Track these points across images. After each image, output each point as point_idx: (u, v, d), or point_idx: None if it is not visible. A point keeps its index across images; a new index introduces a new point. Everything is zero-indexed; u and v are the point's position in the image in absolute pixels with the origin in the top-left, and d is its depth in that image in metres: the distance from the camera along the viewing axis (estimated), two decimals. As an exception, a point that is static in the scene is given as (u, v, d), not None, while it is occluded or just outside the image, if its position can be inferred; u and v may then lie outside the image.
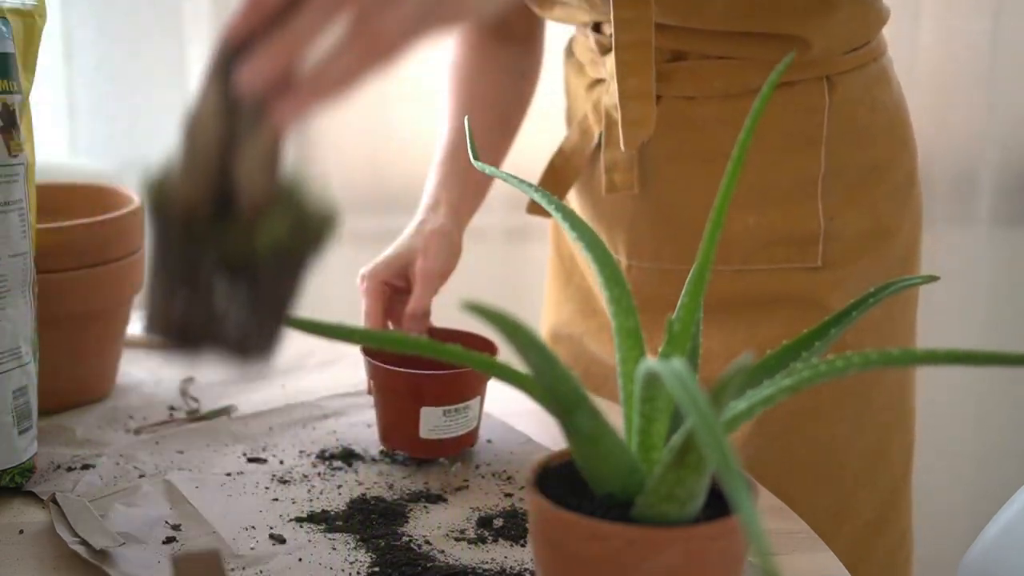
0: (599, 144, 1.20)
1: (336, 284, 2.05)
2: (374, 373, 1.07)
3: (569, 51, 1.28)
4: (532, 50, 1.31)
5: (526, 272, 2.04)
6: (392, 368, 1.05)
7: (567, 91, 1.29)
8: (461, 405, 1.05)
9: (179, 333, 0.65)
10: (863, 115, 1.17)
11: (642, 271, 1.21)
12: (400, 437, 1.06)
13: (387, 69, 0.60)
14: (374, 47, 0.59)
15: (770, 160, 1.14)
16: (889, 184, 1.19)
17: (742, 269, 1.17)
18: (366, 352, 1.08)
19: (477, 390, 1.07)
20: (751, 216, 1.16)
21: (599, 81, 1.21)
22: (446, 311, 1.14)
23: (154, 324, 0.65)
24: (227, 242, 0.61)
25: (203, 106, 0.61)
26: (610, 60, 1.15)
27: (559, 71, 1.32)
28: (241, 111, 0.60)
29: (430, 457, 1.06)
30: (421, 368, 1.04)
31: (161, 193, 0.62)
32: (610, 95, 1.17)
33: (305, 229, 0.63)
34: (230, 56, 0.60)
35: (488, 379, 1.08)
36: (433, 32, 0.61)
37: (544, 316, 1.41)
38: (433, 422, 1.05)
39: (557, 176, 1.24)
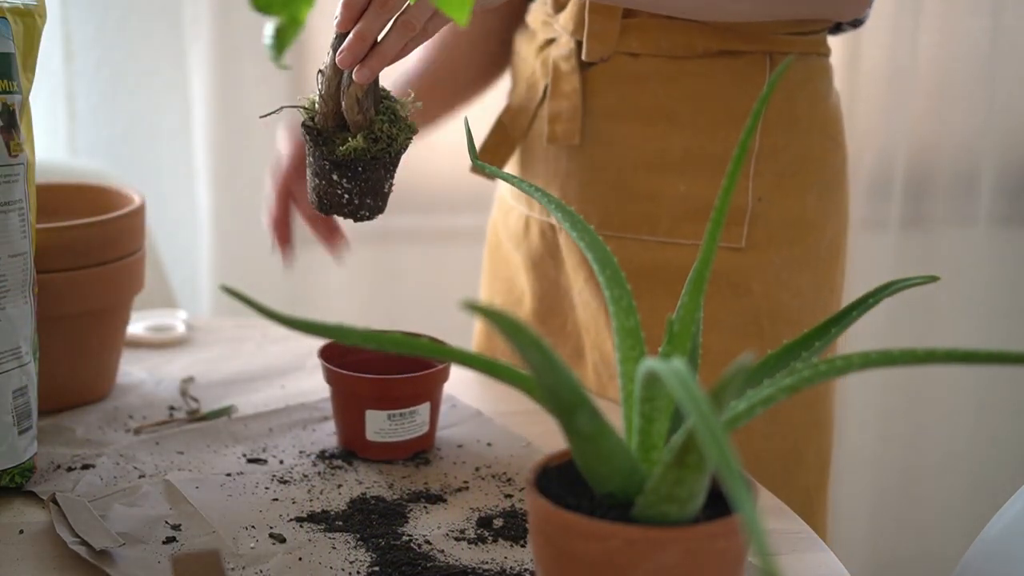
0: (543, 99, 1.23)
1: (336, 284, 2.06)
2: (325, 374, 1.08)
3: (522, 25, 1.31)
4: (506, 53, 1.35)
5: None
6: (337, 370, 1.06)
7: (514, 62, 1.31)
8: (406, 410, 1.05)
9: (318, 205, 1.04)
10: (801, 104, 1.19)
11: (568, 236, 1.23)
12: (350, 438, 1.07)
13: (418, 45, 1.00)
14: (407, 31, 0.98)
15: (707, 128, 1.16)
16: (818, 179, 1.21)
17: (666, 241, 1.19)
18: (323, 354, 1.09)
19: (425, 396, 1.07)
20: (683, 183, 1.18)
21: (550, 41, 1.24)
22: (447, 311, 1.14)
23: (311, 200, 1.05)
24: (338, 147, 1.01)
25: (329, 66, 1.01)
26: (563, 16, 1.19)
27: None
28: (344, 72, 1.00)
29: (381, 459, 1.07)
30: (408, 372, 1.06)
31: (310, 115, 1.03)
32: (558, 48, 1.20)
33: (390, 140, 1.01)
34: (340, 38, 0.99)
35: (441, 385, 1.09)
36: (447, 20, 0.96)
37: (478, 325, 1.43)
38: (378, 425, 1.05)
39: (504, 133, 1.27)
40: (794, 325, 1.20)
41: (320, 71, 1.02)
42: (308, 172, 1.04)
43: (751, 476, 1.16)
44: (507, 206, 1.34)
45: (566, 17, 1.20)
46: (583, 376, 1.26)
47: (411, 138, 1.03)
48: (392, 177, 1.04)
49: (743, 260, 1.17)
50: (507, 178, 0.90)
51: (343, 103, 1.01)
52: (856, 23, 1.24)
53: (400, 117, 1.03)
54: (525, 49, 1.29)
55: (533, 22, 1.27)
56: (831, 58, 1.24)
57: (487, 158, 1.28)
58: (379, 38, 0.98)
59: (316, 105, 1.03)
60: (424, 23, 0.98)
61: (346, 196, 1.02)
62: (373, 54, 0.98)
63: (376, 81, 1.01)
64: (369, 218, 1.04)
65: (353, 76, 0.99)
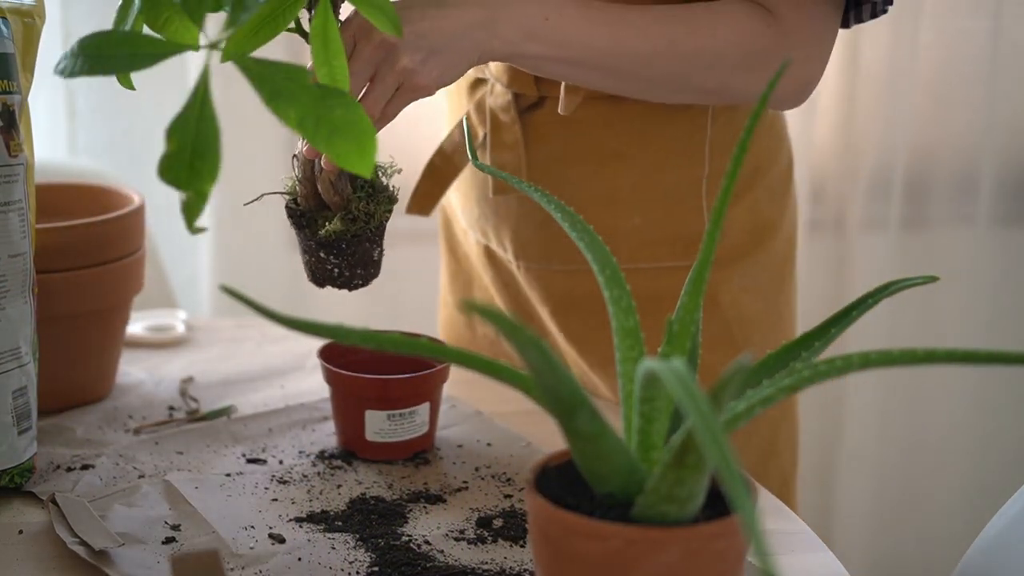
0: (482, 143, 1.21)
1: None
2: (325, 374, 1.08)
3: None
4: None
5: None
6: (337, 370, 1.07)
7: (447, 92, 1.29)
8: (406, 410, 1.05)
9: (311, 278, 1.06)
10: (743, 119, 1.18)
11: (531, 271, 1.23)
12: (350, 438, 1.07)
13: (380, 129, 0.98)
14: (389, 92, 0.98)
15: (656, 161, 1.16)
16: (768, 180, 1.21)
17: (628, 268, 1.18)
18: (323, 354, 1.09)
19: (424, 396, 1.07)
20: (637, 216, 1.18)
21: (480, 81, 1.22)
22: (445, 311, 1.14)
23: (307, 275, 1.06)
24: (320, 227, 1.02)
25: (301, 151, 1.02)
26: (493, 64, 1.17)
27: None
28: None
29: (380, 459, 1.07)
30: (407, 372, 1.07)
31: (291, 197, 1.05)
32: (494, 96, 1.18)
33: (369, 217, 1.02)
34: None
35: (441, 385, 1.09)
36: (436, 82, 0.99)
37: (441, 316, 1.42)
38: (378, 425, 1.05)
39: (437, 175, 1.25)
40: (763, 327, 1.21)
41: (295, 156, 1.03)
42: (300, 248, 1.06)
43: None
44: (461, 228, 1.32)
45: (497, 67, 1.17)
46: None
47: (391, 209, 1.04)
48: (379, 245, 1.05)
49: (709, 276, 1.17)
50: (508, 179, 0.90)
51: (319, 186, 1.02)
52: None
53: (379, 189, 1.03)
54: (454, 86, 1.26)
55: None
56: None
57: (420, 200, 1.26)
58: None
59: (296, 187, 1.05)
60: (383, 108, 0.98)
61: (336, 271, 1.04)
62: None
63: None
64: (363, 285, 1.06)
65: (322, 163, 1.00)
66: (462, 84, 1.24)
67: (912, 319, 2.20)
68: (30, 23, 0.99)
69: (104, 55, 0.77)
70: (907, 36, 2.07)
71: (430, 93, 1.01)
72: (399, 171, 1.04)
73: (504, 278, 1.28)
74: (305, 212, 1.04)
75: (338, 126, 0.76)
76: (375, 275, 1.06)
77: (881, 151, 2.14)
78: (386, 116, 0.99)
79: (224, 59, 0.78)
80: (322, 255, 1.03)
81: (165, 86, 1.98)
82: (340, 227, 1.01)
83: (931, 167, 2.18)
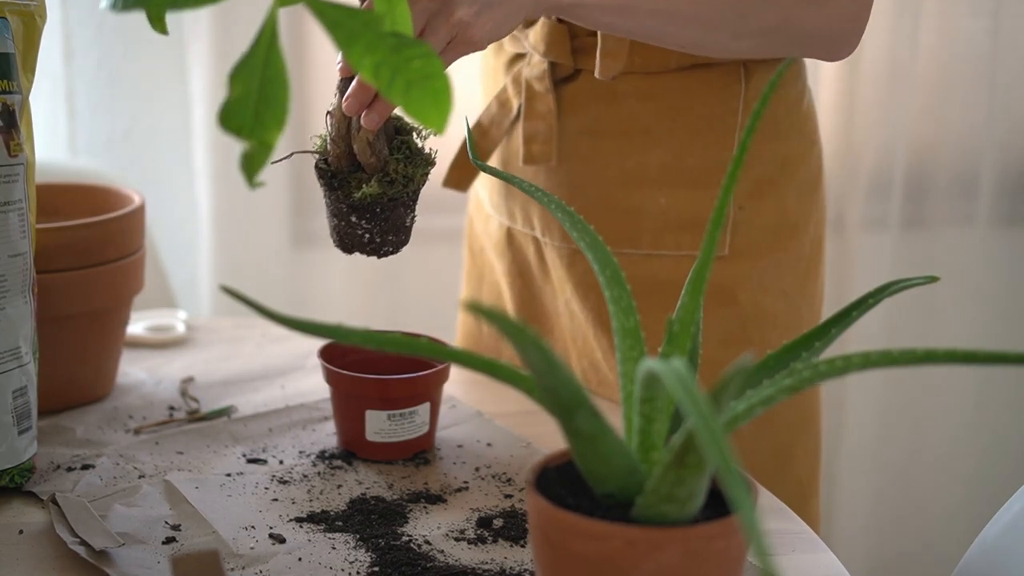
0: (516, 117, 1.21)
1: (336, 284, 2.06)
2: (325, 374, 1.08)
3: None
4: None
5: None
6: (337, 370, 1.06)
7: (483, 72, 1.30)
8: (406, 410, 1.05)
9: (339, 244, 1.02)
10: (777, 109, 1.18)
11: (555, 249, 1.23)
12: (350, 438, 1.07)
13: (454, 58, 0.97)
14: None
15: (685, 141, 1.16)
16: (797, 181, 1.21)
17: (650, 254, 1.19)
18: (323, 354, 1.09)
19: (424, 396, 1.07)
20: (662, 197, 1.17)
21: (519, 56, 1.23)
22: (446, 311, 1.14)
23: (333, 239, 1.03)
24: (353, 189, 0.99)
25: (336, 108, 0.98)
26: (532, 33, 1.18)
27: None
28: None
29: (380, 459, 1.07)
30: (406, 372, 1.06)
31: (322, 156, 1.01)
32: (531, 67, 1.19)
33: (407, 180, 0.99)
34: (347, 82, 0.97)
35: (441, 386, 1.09)
36: (489, 36, 0.97)
37: (460, 316, 1.42)
38: (378, 425, 1.05)
39: (474, 149, 1.25)
40: (780, 328, 1.20)
41: (328, 112, 0.99)
42: (327, 212, 1.02)
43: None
44: (485, 214, 1.33)
45: (536, 36, 1.18)
46: None
47: (428, 172, 1.01)
48: (413, 211, 1.02)
49: (727, 269, 1.17)
50: (509, 179, 0.90)
51: (355, 146, 0.98)
52: None
53: (416, 151, 1.00)
54: (492, 62, 1.27)
55: None
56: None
57: (456, 175, 1.26)
58: None
59: (327, 147, 1.00)
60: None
61: (367, 236, 1.00)
62: (379, 100, 0.95)
63: (387, 118, 0.99)
64: (393, 253, 1.02)
65: (361, 122, 0.96)
66: (500, 59, 1.25)
67: (912, 319, 2.20)
68: (30, 23, 0.99)
69: None
70: (907, 36, 2.07)
71: (482, 48, 0.99)
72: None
73: (520, 266, 1.28)
74: (337, 173, 0.99)
75: (415, 78, 0.73)
76: (405, 242, 1.03)
77: (881, 151, 2.14)
78: None
79: (287, 2, 0.73)
80: (353, 219, 0.99)
81: (165, 86, 1.98)
82: (377, 190, 0.97)
83: (931, 167, 2.18)
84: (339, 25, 0.72)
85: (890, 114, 2.11)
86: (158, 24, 0.86)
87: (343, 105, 0.96)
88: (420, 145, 1.01)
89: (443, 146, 1.06)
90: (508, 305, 1.32)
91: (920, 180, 2.18)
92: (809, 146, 1.23)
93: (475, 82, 1.35)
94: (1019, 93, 2.19)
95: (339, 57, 0.97)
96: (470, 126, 1.27)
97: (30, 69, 1.00)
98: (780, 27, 1.07)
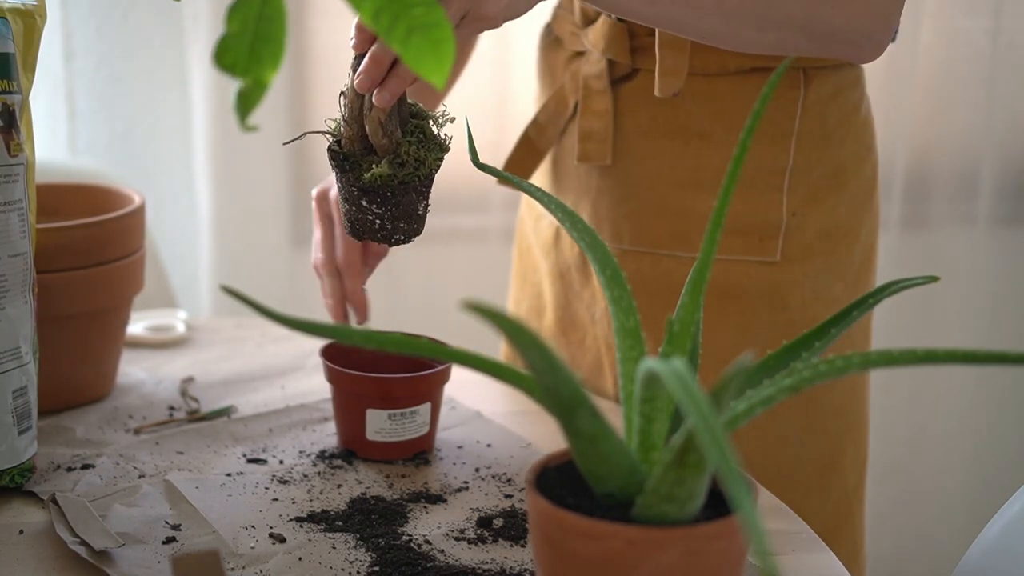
0: (573, 115, 1.21)
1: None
2: (327, 372, 1.08)
3: (547, 30, 1.29)
4: None
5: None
6: (339, 368, 1.06)
7: (541, 70, 1.29)
8: (407, 410, 1.05)
9: (350, 230, 1.01)
10: (834, 115, 1.17)
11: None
12: (350, 437, 1.07)
13: (468, 35, 0.96)
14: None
15: None
16: (852, 188, 1.20)
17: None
18: (325, 353, 1.09)
19: (425, 396, 1.07)
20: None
21: (579, 54, 1.22)
22: (445, 311, 1.14)
23: (344, 226, 1.02)
24: (364, 172, 0.97)
25: (350, 88, 0.96)
26: (592, 31, 1.17)
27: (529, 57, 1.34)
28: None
29: (380, 459, 1.07)
30: (407, 371, 1.07)
31: (335, 138, 0.99)
32: (589, 64, 1.19)
33: (419, 163, 0.97)
34: (360, 59, 0.95)
35: (442, 386, 1.09)
36: (503, 14, 0.95)
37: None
38: (379, 424, 1.05)
39: (531, 146, 1.25)
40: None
41: (342, 92, 0.98)
42: (339, 196, 1.01)
43: (788, 482, 1.16)
44: (537, 212, 1.32)
45: (596, 34, 1.18)
46: (604, 389, 1.25)
47: (441, 158, 0.99)
48: (426, 198, 1.00)
49: (778, 274, 1.16)
50: (509, 178, 0.90)
51: (367, 127, 0.97)
52: (892, 39, 1.22)
53: (429, 136, 0.99)
54: (552, 59, 1.26)
55: (560, 31, 1.25)
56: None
57: (512, 170, 1.25)
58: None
59: (340, 129, 0.99)
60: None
61: (378, 222, 0.98)
62: (392, 76, 0.94)
63: (402, 100, 0.97)
64: (405, 242, 1.00)
65: (373, 100, 0.95)
66: (560, 57, 1.25)
67: (912, 319, 2.20)
68: (31, 23, 0.99)
69: None
70: (907, 36, 2.07)
71: (496, 25, 0.97)
72: (452, 120, 1.00)
73: (562, 268, 1.27)
74: (349, 155, 0.98)
75: (416, 25, 0.71)
76: (418, 231, 1.01)
77: (881, 151, 2.13)
78: None
79: None
80: (364, 203, 0.97)
81: (165, 86, 1.98)
82: (387, 171, 0.96)
83: (931, 167, 2.18)
84: None
85: (890, 114, 2.11)
86: (244, 116, 0.83)
87: (355, 82, 0.95)
88: (436, 131, 0.99)
89: (495, 145, 1.05)
90: (548, 309, 1.31)
91: (920, 180, 2.18)
92: (865, 153, 1.21)
93: (482, 82, 1.35)
94: (1019, 93, 2.19)
95: (352, 34, 0.96)
96: (527, 125, 1.26)
97: (30, 69, 1.00)
98: (805, 22, 1.05)
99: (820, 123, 1.16)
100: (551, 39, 1.27)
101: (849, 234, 1.20)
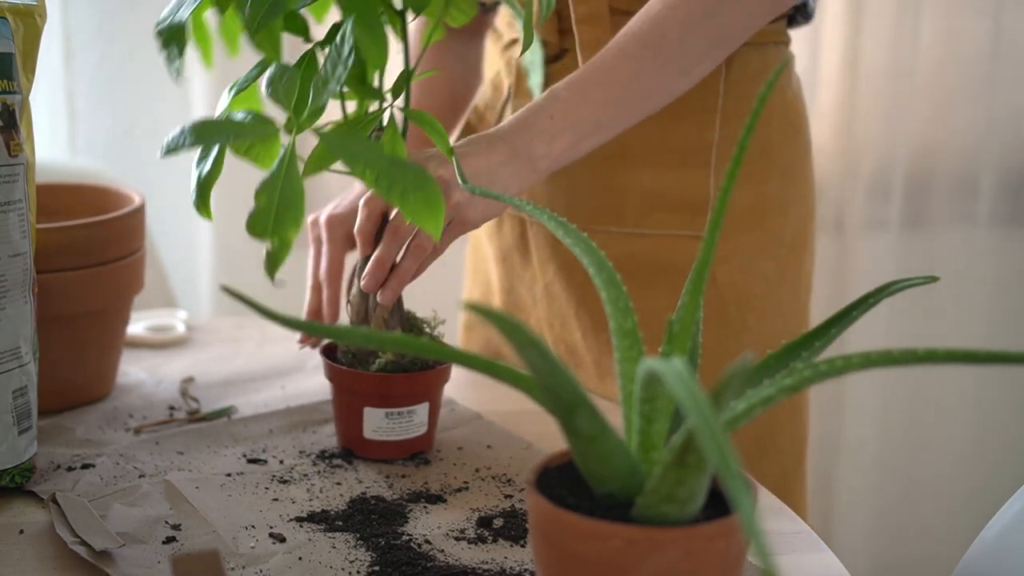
0: (508, 98, 1.25)
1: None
2: (326, 370, 1.08)
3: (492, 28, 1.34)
4: (478, 43, 1.37)
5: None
6: (337, 366, 1.07)
7: (486, 64, 1.34)
8: (404, 409, 1.05)
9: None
10: (756, 89, 1.19)
11: (539, 227, 1.26)
12: (348, 435, 1.08)
13: (433, 261, 1.06)
14: (421, 252, 1.04)
15: (666, 120, 1.17)
16: (779, 166, 1.23)
17: (632, 232, 1.21)
18: (324, 350, 1.10)
19: (424, 396, 1.07)
20: (645, 174, 1.20)
21: (514, 41, 1.26)
22: (446, 312, 1.14)
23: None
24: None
25: (355, 295, 1.08)
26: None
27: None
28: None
29: (377, 458, 1.07)
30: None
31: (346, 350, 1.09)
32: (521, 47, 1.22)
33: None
34: (364, 262, 1.06)
35: (441, 386, 1.09)
36: (482, 216, 1.06)
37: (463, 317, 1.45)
38: (376, 423, 1.05)
39: (472, 133, 1.29)
40: (758, 311, 1.22)
41: (348, 301, 1.09)
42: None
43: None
44: None
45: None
46: None
47: None
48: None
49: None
50: (499, 197, 0.90)
51: (372, 324, 1.07)
52: (807, 16, 1.24)
53: (426, 336, 1.09)
54: (491, 49, 1.31)
55: (500, 24, 1.31)
56: (791, 46, 1.26)
57: None
58: (397, 260, 1.04)
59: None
60: (435, 244, 1.04)
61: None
62: (393, 276, 1.04)
63: (400, 302, 1.08)
64: None
65: (378, 299, 1.05)
66: (498, 46, 1.30)
67: (912, 319, 2.21)
68: (31, 23, 0.99)
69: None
70: (907, 36, 2.07)
71: (476, 227, 1.07)
72: (443, 322, 1.10)
73: (504, 251, 1.31)
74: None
75: (410, 186, 0.89)
76: None
77: (881, 151, 2.14)
78: (436, 251, 1.05)
79: (311, 172, 0.93)
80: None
81: (165, 86, 1.98)
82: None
83: (931, 167, 2.18)
84: (344, 147, 0.90)
85: (890, 114, 2.11)
86: (272, 273, 0.93)
87: (361, 283, 1.04)
88: (429, 332, 1.10)
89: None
90: (495, 293, 1.35)
91: (920, 180, 2.18)
92: (793, 134, 1.24)
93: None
94: (1020, 94, 2.19)
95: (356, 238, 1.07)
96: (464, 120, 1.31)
97: (30, 69, 1.00)
98: (715, 43, 1.10)
99: (746, 101, 1.19)
100: (494, 33, 1.32)
101: (777, 212, 1.23)
